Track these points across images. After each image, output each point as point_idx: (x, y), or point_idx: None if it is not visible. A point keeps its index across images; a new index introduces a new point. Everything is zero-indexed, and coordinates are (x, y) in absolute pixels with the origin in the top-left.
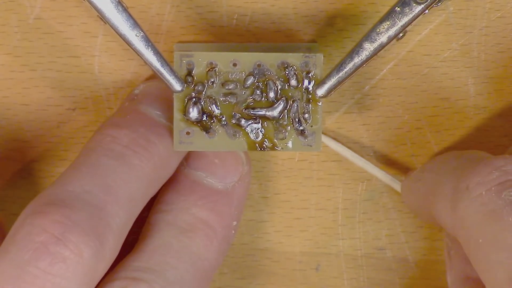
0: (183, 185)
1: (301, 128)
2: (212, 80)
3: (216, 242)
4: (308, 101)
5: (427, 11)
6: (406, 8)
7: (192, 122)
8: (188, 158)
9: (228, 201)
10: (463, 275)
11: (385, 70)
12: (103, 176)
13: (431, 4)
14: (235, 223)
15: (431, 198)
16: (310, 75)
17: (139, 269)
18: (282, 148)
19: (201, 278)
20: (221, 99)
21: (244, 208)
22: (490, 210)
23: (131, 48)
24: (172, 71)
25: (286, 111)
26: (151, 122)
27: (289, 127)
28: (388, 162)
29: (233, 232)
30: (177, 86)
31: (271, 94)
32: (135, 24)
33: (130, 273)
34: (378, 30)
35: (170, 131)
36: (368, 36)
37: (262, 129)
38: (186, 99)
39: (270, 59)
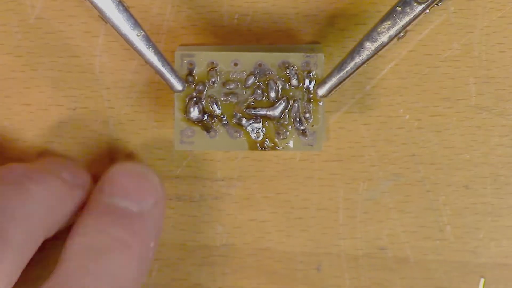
0: (98, 210)
1: (302, 127)
2: (213, 79)
3: (134, 261)
4: (309, 100)
5: (428, 10)
6: (407, 7)
7: (193, 122)
8: (102, 185)
9: (144, 224)
10: None
11: (386, 69)
12: None
13: (432, 3)
14: (152, 244)
15: None
16: (311, 74)
17: None
18: (283, 148)
19: None
20: (222, 98)
21: (161, 232)
22: None
23: (132, 48)
24: (173, 71)
25: (287, 110)
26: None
27: (290, 127)
28: (388, 162)
29: (151, 254)
30: (178, 86)
31: (272, 94)
32: (136, 24)
33: None
34: (379, 29)
35: None
36: (369, 36)
37: (263, 129)
38: (187, 99)
39: (271, 59)
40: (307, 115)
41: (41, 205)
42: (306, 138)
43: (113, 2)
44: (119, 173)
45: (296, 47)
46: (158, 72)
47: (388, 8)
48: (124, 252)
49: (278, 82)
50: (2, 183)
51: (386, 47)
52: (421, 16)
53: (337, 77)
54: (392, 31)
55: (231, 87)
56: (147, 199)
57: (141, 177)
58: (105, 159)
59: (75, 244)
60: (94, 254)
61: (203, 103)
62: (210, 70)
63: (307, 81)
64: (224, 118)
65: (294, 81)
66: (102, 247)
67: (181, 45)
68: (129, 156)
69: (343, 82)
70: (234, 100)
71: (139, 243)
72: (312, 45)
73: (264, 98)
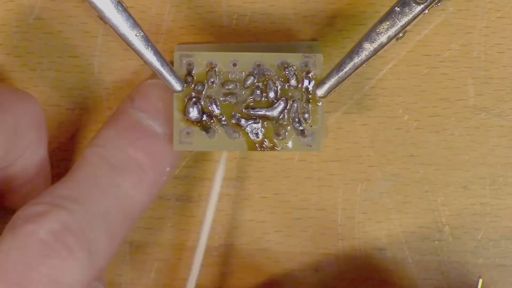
0: (122, 123)
1: (301, 128)
2: (212, 80)
3: (145, 185)
4: (308, 101)
5: (426, 11)
6: (406, 8)
7: (192, 122)
8: (133, 98)
9: (164, 147)
10: None
11: (384, 70)
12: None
13: (431, 4)
14: (168, 169)
15: None
16: (310, 75)
17: (63, 197)
18: (282, 148)
19: (125, 217)
20: (221, 99)
21: (179, 158)
22: None
23: (131, 48)
24: (172, 71)
25: (286, 111)
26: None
27: (289, 127)
28: (387, 162)
29: (165, 178)
30: (177, 86)
31: (271, 94)
32: (135, 24)
33: (53, 199)
34: (378, 30)
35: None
36: (367, 36)
37: (262, 129)
38: (186, 99)
39: (270, 59)
40: (306, 115)
41: (29, 109)
42: (305, 139)
43: (112, 2)
44: (153, 90)
45: (293, 44)
46: (157, 72)
47: (386, 9)
48: (138, 174)
49: (277, 82)
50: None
51: (385, 48)
52: (420, 17)
53: (336, 77)
54: (391, 32)
55: (230, 87)
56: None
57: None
58: None
59: (92, 154)
60: (108, 169)
61: (202, 103)
62: (209, 70)
63: (306, 82)
64: (223, 119)
65: (293, 82)
66: (118, 164)
67: (180, 43)
68: None
69: (342, 83)
70: (233, 100)
71: (155, 167)
72: (310, 42)
73: (263, 99)
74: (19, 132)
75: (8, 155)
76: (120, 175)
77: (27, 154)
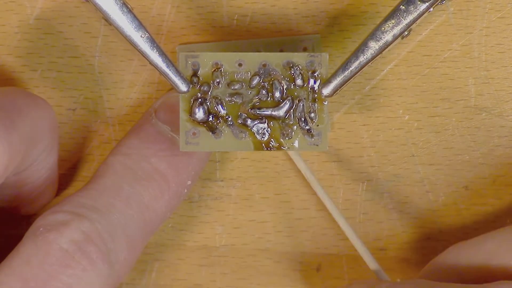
0: (147, 134)
1: (307, 127)
2: (217, 80)
3: (167, 196)
4: (314, 100)
5: (431, 9)
6: (411, 6)
7: (198, 123)
8: (157, 110)
9: (187, 160)
10: None
11: (385, 70)
12: None
13: (435, 2)
14: (189, 182)
15: None
16: (315, 74)
17: (85, 206)
18: (288, 148)
19: (145, 228)
20: (227, 99)
21: (201, 171)
22: None
23: (137, 49)
24: (178, 72)
25: (292, 110)
26: None
27: (295, 127)
28: (388, 163)
29: (185, 191)
30: (182, 87)
31: (277, 94)
32: (140, 25)
33: (75, 208)
34: (383, 28)
35: None
36: (373, 35)
37: (268, 129)
38: (192, 100)
39: (276, 59)
40: (312, 114)
41: (45, 115)
42: (312, 138)
43: (117, 4)
44: (177, 102)
45: (295, 38)
46: (162, 73)
47: (387, 9)
48: (161, 185)
49: (283, 82)
50: (14, 89)
51: (391, 46)
52: (425, 15)
53: (342, 76)
54: (396, 30)
55: (236, 87)
56: None
57: None
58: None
59: (117, 162)
60: (132, 179)
61: (208, 104)
62: (214, 70)
63: (311, 81)
64: (229, 119)
65: (298, 81)
66: (141, 174)
67: (181, 44)
68: None
69: (348, 82)
70: (239, 100)
71: (177, 180)
72: (311, 35)
73: (269, 98)
74: (35, 137)
75: (24, 160)
76: (143, 185)
77: (40, 159)
